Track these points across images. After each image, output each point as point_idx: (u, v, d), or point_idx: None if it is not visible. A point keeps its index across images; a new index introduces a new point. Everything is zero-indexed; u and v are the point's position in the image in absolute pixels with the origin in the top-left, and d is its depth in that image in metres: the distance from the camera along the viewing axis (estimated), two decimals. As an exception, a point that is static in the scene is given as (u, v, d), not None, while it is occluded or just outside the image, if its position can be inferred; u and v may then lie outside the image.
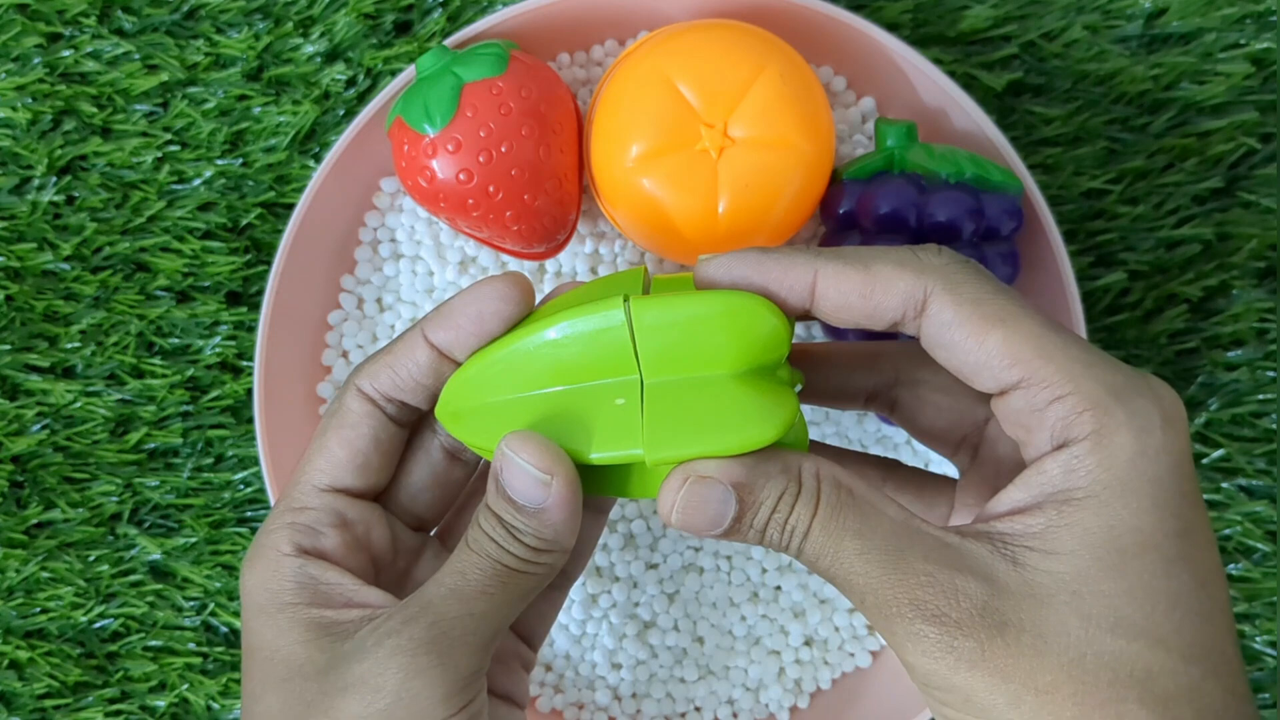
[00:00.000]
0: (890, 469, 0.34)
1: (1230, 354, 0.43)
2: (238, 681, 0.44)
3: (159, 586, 0.44)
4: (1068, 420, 0.26)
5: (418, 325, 0.30)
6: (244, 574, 0.30)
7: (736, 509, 0.27)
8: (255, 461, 0.44)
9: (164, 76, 0.43)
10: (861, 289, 0.27)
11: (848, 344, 0.34)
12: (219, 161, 0.43)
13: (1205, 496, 0.43)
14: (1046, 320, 0.27)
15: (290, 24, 0.43)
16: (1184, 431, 0.26)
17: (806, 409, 0.42)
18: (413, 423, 0.32)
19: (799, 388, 0.30)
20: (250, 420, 0.44)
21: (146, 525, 0.44)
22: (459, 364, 0.30)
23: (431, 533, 0.34)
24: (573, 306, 0.28)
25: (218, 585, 0.44)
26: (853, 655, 0.43)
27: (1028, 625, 0.25)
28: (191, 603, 0.44)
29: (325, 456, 0.31)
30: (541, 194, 0.38)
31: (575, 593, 0.42)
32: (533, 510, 0.28)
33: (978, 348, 0.27)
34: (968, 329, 0.27)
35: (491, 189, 0.37)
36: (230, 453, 0.44)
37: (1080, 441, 0.26)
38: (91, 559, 0.44)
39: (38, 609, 0.44)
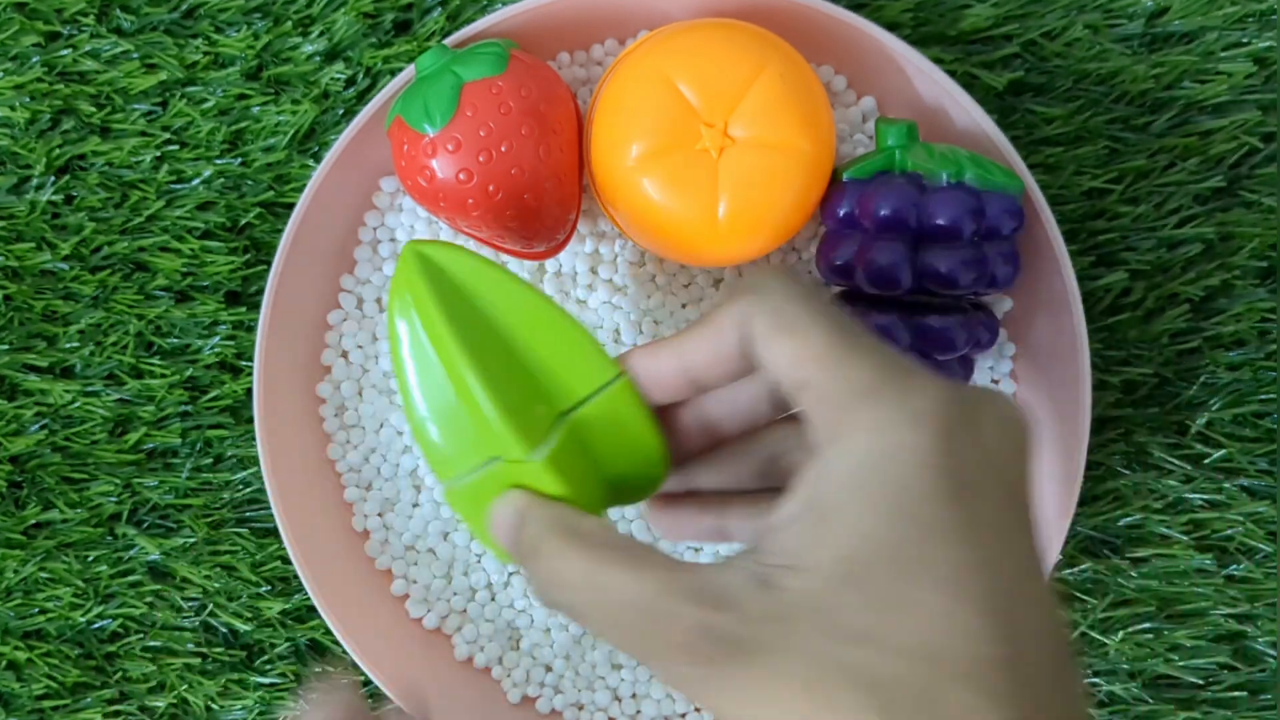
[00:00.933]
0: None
1: (1231, 354, 0.43)
2: (237, 682, 0.44)
3: (158, 587, 0.44)
4: (821, 425, 0.26)
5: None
6: None
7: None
8: (255, 461, 0.44)
9: (163, 76, 0.43)
10: (710, 340, 0.29)
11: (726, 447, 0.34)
12: (218, 161, 0.43)
13: (1206, 497, 0.43)
14: (841, 325, 0.27)
15: (289, 23, 0.43)
16: (938, 428, 0.25)
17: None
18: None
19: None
20: (250, 420, 0.44)
21: (145, 525, 0.44)
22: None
23: None
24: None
25: (217, 585, 0.44)
26: (853, 656, 0.43)
27: (768, 647, 0.24)
28: (191, 603, 0.44)
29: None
30: (541, 194, 0.38)
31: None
32: None
33: (772, 354, 0.27)
34: (765, 339, 0.27)
35: (491, 189, 0.37)
36: (230, 453, 0.44)
37: (827, 447, 0.25)
38: (90, 559, 0.44)
39: (36, 609, 0.44)
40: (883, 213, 0.36)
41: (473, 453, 0.31)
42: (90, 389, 0.44)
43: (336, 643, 0.44)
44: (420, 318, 0.32)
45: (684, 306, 0.42)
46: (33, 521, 0.44)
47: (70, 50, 0.43)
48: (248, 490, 0.44)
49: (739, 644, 0.24)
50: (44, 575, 0.44)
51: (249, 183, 0.43)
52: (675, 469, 0.32)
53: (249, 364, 0.44)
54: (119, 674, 0.44)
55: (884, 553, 0.24)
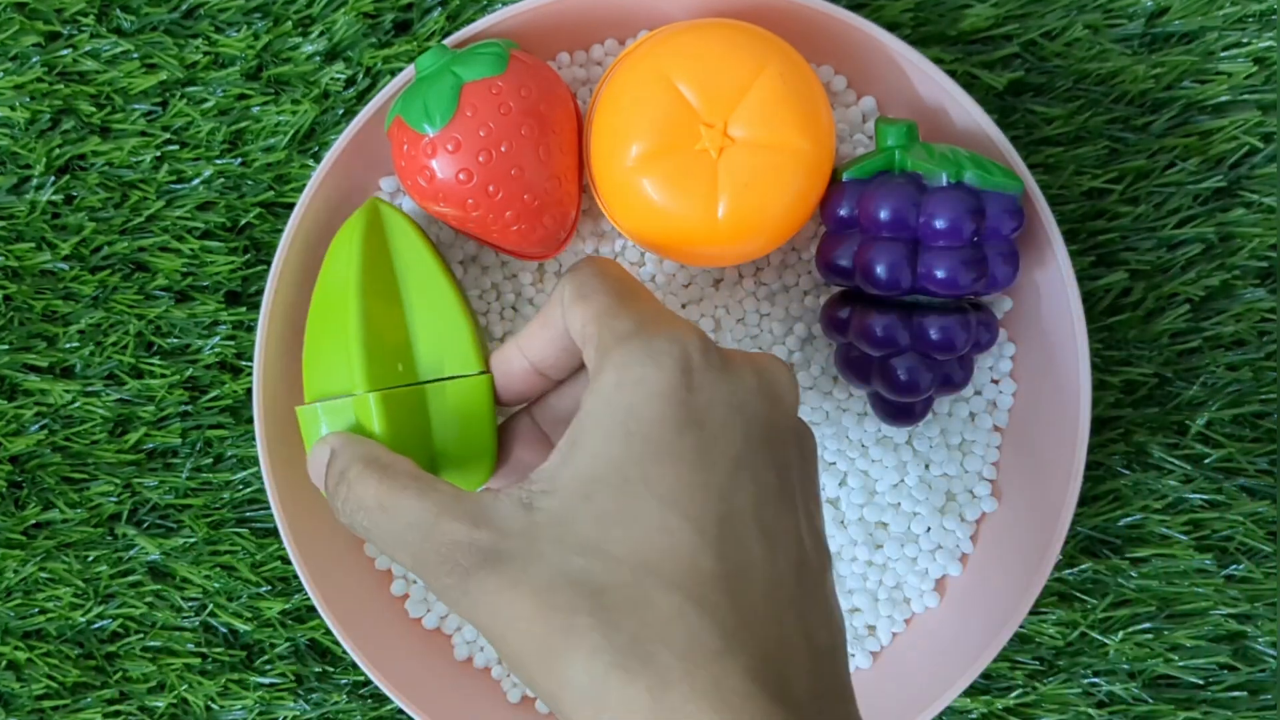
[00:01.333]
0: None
1: (1231, 354, 0.43)
2: (237, 682, 0.44)
3: (158, 587, 0.44)
4: (591, 372, 0.30)
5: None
6: None
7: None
8: (255, 461, 0.44)
9: (163, 75, 0.43)
10: (542, 324, 0.35)
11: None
12: (218, 161, 0.43)
13: (1206, 497, 0.43)
14: (623, 289, 0.32)
15: (289, 23, 0.43)
16: (677, 364, 0.29)
17: (805, 409, 0.42)
18: None
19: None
20: (250, 420, 0.44)
21: (145, 525, 0.44)
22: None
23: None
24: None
25: (217, 585, 0.44)
26: (853, 656, 0.43)
27: (516, 559, 0.27)
28: (191, 603, 0.44)
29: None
30: (541, 194, 0.38)
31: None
32: None
33: (571, 324, 0.32)
34: (568, 311, 0.32)
35: (491, 189, 0.37)
36: (230, 453, 0.44)
37: (589, 389, 0.29)
38: (90, 559, 0.44)
39: (36, 609, 0.44)
40: (883, 213, 0.36)
41: (333, 380, 0.37)
42: (90, 389, 0.44)
43: (336, 643, 0.44)
44: (345, 253, 0.38)
45: (684, 306, 0.42)
46: (33, 521, 0.44)
47: (70, 50, 0.43)
48: (248, 490, 0.44)
49: (492, 555, 0.27)
50: (44, 575, 0.44)
51: (249, 183, 0.43)
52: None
53: (249, 364, 0.44)
54: (119, 674, 0.44)
55: (613, 472, 0.28)
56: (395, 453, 0.33)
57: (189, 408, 0.44)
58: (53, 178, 0.43)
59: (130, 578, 0.44)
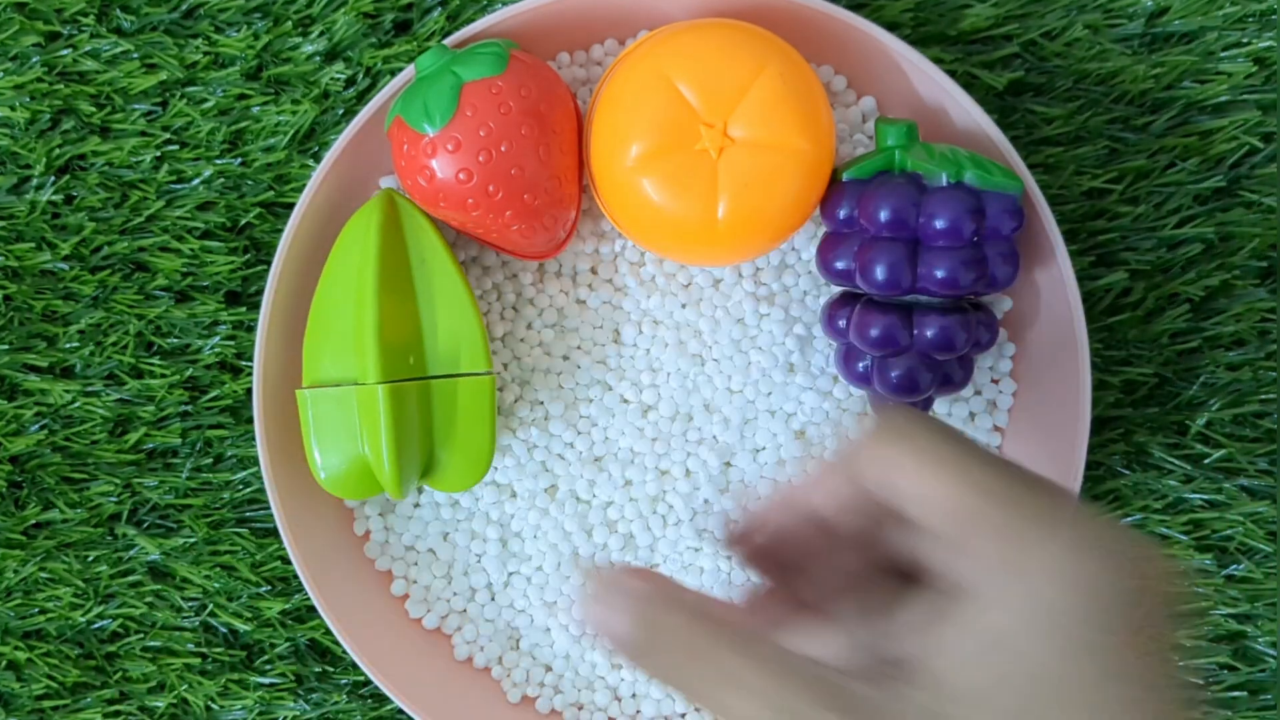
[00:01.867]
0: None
1: (1231, 354, 0.43)
2: (236, 682, 0.44)
3: (158, 587, 0.44)
4: (986, 556, 0.25)
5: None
6: None
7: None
8: (255, 461, 0.44)
9: (163, 75, 0.43)
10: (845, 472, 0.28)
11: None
12: (218, 161, 0.43)
13: (1206, 497, 0.43)
14: (990, 460, 0.26)
15: (289, 23, 0.43)
16: (1113, 572, 0.25)
17: (804, 409, 0.42)
18: None
19: None
20: (250, 420, 0.44)
21: (145, 525, 0.44)
22: None
23: None
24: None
25: (217, 585, 0.44)
26: (853, 656, 0.43)
27: None
28: (191, 603, 0.44)
29: None
30: (541, 194, 0.38)
31: (575, 593, 0.42)
32: None
33: (919, 495, 0.26)
34: (910, 480, 0.27)
35: (491, 189, 0.37)
36: (230, 453, 0.44)
37: (997, 579, 0.25)
38: (90, 559, 0.44)
39: (36, 609, 0.44)
40: (883, 213, 0.36)
41: (341, 367, 0.38)
42: (90, 389, 0.44)
43: (336, 643, 0.44)
44: (360, 242, 0.38)
45: (684, 307, 0.42)
46: (33, 521, 0.44)
47: (70, 50, 0.43)
48: (248, 490, 0.44)
49: None
50: (44, 575, 0.44)
51: (249, 183, 0.43)
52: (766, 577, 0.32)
53: (249, 364, 0.44)
54: (119, 674, 0.44)
55: (1063, 695, 0.24)
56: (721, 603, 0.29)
57: (189, 408, 0.44)
58: (53, 178, 0.43)
59: (130, 578, 0.44)
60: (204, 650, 0.44)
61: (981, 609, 0.25)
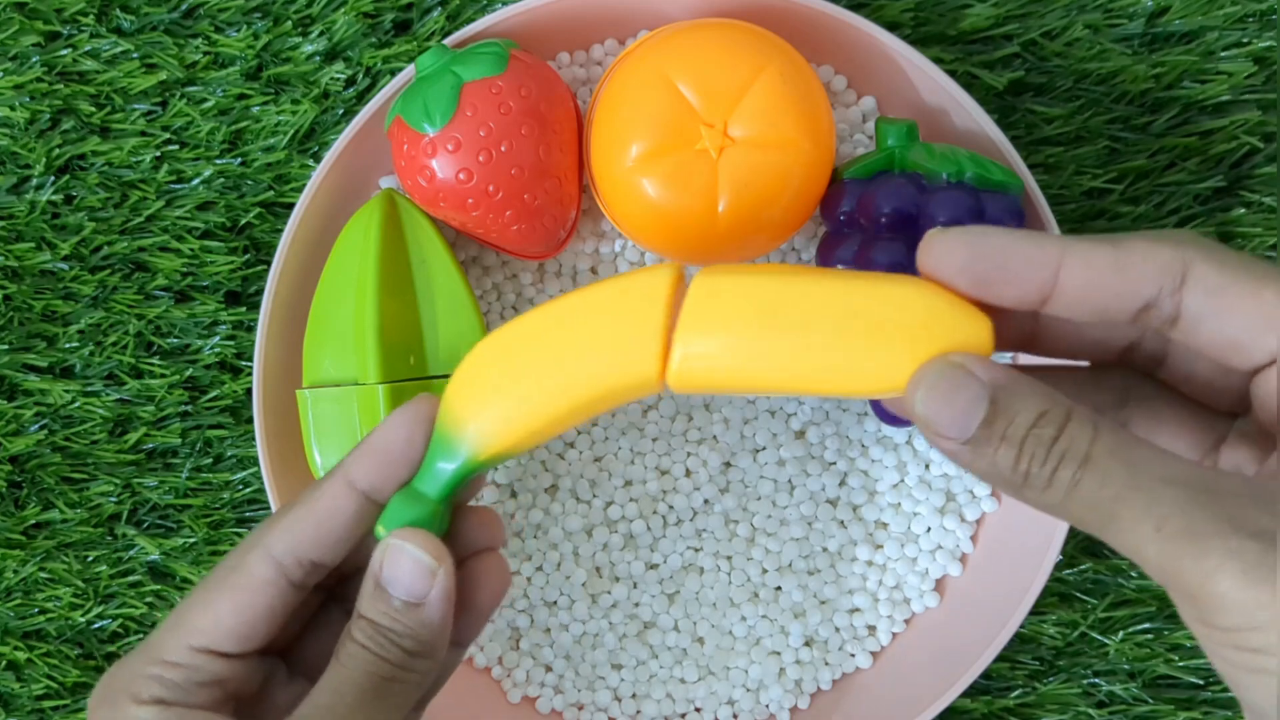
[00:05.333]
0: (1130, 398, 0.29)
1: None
2: (237, 682, 0.44)
3: (158, 587, 0.44)
4: None
5: (338, 472, 0.29)
6: (91, 713, 0.28)
7: (988, 412, 0.24)
8: (254, 461, 0.44)
9: (163, 75, 0.43)
10: (1115, 263, 0.25)
11: (1068, 359, 0.29)
12: (218, 161, 0.43)
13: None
14: None
15: (289, 23, 0.43)
16: None
17: (804, 409, 0.42)
18: (315, 584, 0.30)
19: None
20: (249, 420, 0.44)
21: (145, 525, 0.44)
22: (381, 506, 0.29)
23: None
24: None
25: (217, 585, 0.44)
26: (853, 655, 0.43)
27: None
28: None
29: (210, 616, 0.28)
30: (541, 194, 0.38)
31: (575, 592, 0.42)
32: (412, 606, 0.28)
33: (1254, 306, 0.24)
34: (1239, 289, 0.24)
35: (491, 188, 0.37)
36: (229, 453, 0.44)
37: None
38: (90, 559, 0.44)
39: (36, 609, 0.44)
40: (883, 213, 0.36)
41: (341, 367, 0.37)
42: (90, 389, 0.44)
43: (336, 643, 0.44)
44: (361, 241, 0.38)
45: (684, 306, 0.42)
46: (32, 521, 0.44)
47: (70, 50, 0.43)
48: (248, 490, 0.44)
49: None
50: (44, 575, 0.44)
51: (249, 183, 0.43)
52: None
53: (249, 364, 0.44)
54: (119, 674, 0.44)
55: None
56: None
57: (189, 408, 0.44)
58: (52, 177, 0.43)
59: (130, 578, 0.44)
60: (204, 650, 0.44)
61: None
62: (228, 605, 0.28)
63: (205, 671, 0.28)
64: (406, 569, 0.28)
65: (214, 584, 0.29)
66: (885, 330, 0.26)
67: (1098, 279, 0.25)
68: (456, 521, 0.31)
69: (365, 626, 0.28)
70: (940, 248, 0.26)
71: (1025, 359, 0.28)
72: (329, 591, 0.32)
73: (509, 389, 0.28)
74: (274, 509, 0.40)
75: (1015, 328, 0.27)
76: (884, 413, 0.39)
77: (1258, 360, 0.25)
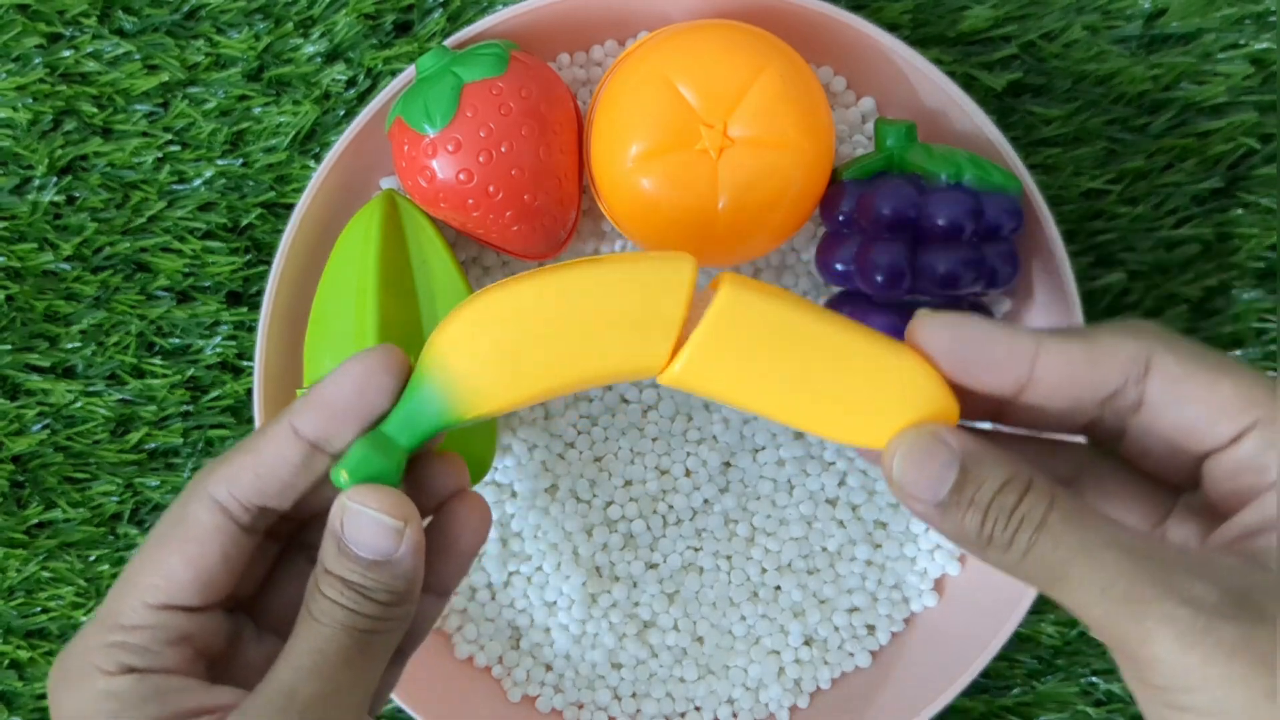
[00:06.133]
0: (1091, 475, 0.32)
1: (1230, 354, 0.43)
2: (238, 681, 0.44)
3: (159, 586, 0.44)
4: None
5: (284, 417, 0.28)
6: (55, 695, 0.27)
7: (958, 478, 0.26)
8: (255, 461, 0.44)
9: (164, 77, 0.43)
10: (1087, 357, 0.27)
11: (1028, 435, 0.31)
12: (219, 162, 0.43)
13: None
14: (1264, 374, 0.27)
15: (290, 24, 0.43)
16: None
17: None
18: (268, 528, 0.29)
19: None
20: (250, 420, 0.44)
21: (147, 525, 0.44)
22: (332, 455, 0.28)
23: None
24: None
25: (218, 585, 0.44)
26: (852, 655, 0.43)
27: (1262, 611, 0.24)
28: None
29: (162, 572, 0.27)
30: (541, 194, 0.38)
31: (575, 592, 0.42)
32: (381, 562, 0.27)
33: (1210, 396, 0.26)
34: (1198, 380, 0.27)
35: (491, 189, 0.37)
36: (230, 453, 0.44)
37: None
38: (92, 559, 0.44)
39: (38, 609, 0.44)
40: (882, 213, 0.36)
41: None
42: (92, 389, 0.44)
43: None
44: (361, 242, 0.38)
45: (684, 307, 0.42)
46: (35, 521, 0.44)
47: (72, 51, 0.43)
48: (249, 490, 0.44)
49: (1261, 610, 0.24)
50: (46, 574, 0.44)
51: (250, 183, 0.44)
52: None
53: (250, 364, 0.44)
54: (120, 673, 0.44)
55: None
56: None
57: (190, 408, 0.44)
58: (55, 178, 0.44)
59: (132, 577, 0.44)
60: (205, 649, 0.44)
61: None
62: (178, 558, 0.27)
63: (169, 629, 0.27)
64: (370, 531, 0.27)
65: (160, 538, 0.28)
66: (876, 391, 0.28)
67: (1071, 372, 0.27)
68: (424, 467, 0.30)
69: (334, 582, 0.27)
70: (927, 332, 0.28)
71: (985, 424, 0.30)
72: (289, 539, 0.31)
73: (515, 355, 0.28)
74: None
75: (984, 402, 0.28)
76: None
77: (1209, 445, 0.27)
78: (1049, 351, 0.27)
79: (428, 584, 0.30)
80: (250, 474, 0.28)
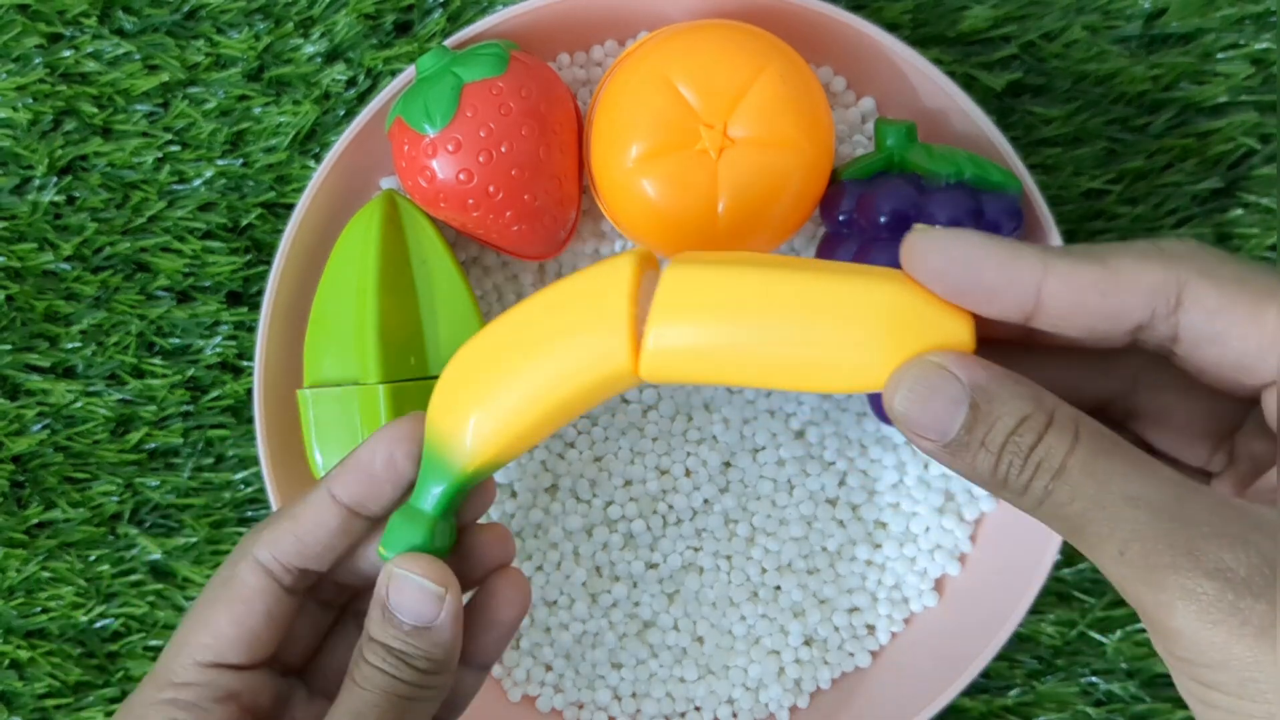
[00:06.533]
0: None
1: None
2: (238, 681, 0.44)
3: (159, 586, 0.44)
4: None
5: (323, 484, 0.29)
6: None
7: (968, 416, 0.24)
8: (255, 461, 0.44)
9: (164, 77, 0.43)
10: (1100, 285, 0.24)
11: (1072, 346, 0.27)
12: (219, 162, 0.43)
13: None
14: None
15: (290, 24, 0.43)
16: None
17: (804, 409, 0.42)
18: (323, 596, 0.31)
19: None
20: (250, 420, 0.44)
21: (147, 525, 0.44)
22: (368, 519, 0.29)
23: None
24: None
25: (218, 585, 0.44)
26: (853, 655, 0.43)
27: None
28: (192, 602, 0.44)
29: (210, 631, 0.29)
30: (541, 194, 0.38)
31: (575, 592, 0.42)
32: (422, 629, 0.28)
33: (1256, 331, 0.23)
34: (1239, 311, 0.23)
35: (491, 189, 0.37)
36: (230, 453, 0.44)
37: None
38: (92, 559, 0.44)
39: (38, 609, 0.44)
40: (882, 213, 0.36)
41: (342, 367, 0.37)
42: (92, 389, 0.44)
43: (337, 642, 0.44)
44: (361, 242, 0.38)
45: (684, 307, 0.42)
46: (35, 521, 0.44)
47: (72, 51, 0.43)
48: (248, 490, 0.44)
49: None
50: (46, 574, 0.44)
51: (250, 183, 0.44)
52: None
53: (250, 364, 0.44)
54: (121, 673, 0.44)
55: None
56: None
57: (190, 408, 0.44)
58: (55, 178, 0.44)
59: (132, 577, 0.44)
60: (205, 649, 0.44)
61: None
62: (225, 617, 0.29)
63: (217, 687, 0.28)
64: (412, 597, 0.28)
65: (208, 600, 0.29)
66: (862, 325, 0.25)
67: (1083, 300, 0.24)
68: (469, 538, 0.31)
69: (377, 649, 0.28)
70: (916, 251, 0.25)
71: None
72: (343, 608, 0.32)
73: (487, 399, 0.28)
74: (274, 509, 0.40)
75: (1006, 325, 0.26)
76: (882, 411, 0.40)
77: (1261, 379, 0.24)
78: (1056, 274, 0.24)
79: (467, 656, 0.30)
80: (291, 537, 0.29)
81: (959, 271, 0.25)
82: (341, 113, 0.43)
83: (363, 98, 0.43)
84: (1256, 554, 0.21)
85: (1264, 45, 0.42)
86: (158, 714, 0.28)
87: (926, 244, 0.25)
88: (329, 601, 0.32)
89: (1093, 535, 0.23)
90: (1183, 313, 0.24)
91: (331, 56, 0.43)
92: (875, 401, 0.40)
